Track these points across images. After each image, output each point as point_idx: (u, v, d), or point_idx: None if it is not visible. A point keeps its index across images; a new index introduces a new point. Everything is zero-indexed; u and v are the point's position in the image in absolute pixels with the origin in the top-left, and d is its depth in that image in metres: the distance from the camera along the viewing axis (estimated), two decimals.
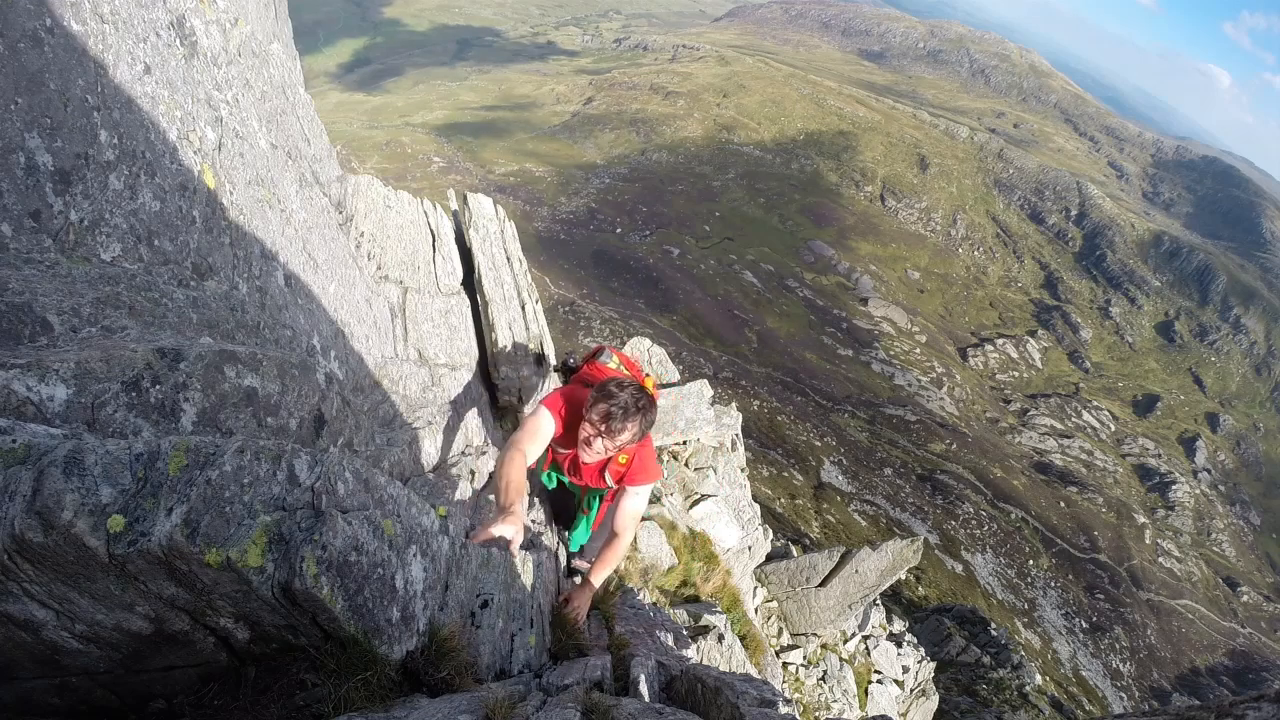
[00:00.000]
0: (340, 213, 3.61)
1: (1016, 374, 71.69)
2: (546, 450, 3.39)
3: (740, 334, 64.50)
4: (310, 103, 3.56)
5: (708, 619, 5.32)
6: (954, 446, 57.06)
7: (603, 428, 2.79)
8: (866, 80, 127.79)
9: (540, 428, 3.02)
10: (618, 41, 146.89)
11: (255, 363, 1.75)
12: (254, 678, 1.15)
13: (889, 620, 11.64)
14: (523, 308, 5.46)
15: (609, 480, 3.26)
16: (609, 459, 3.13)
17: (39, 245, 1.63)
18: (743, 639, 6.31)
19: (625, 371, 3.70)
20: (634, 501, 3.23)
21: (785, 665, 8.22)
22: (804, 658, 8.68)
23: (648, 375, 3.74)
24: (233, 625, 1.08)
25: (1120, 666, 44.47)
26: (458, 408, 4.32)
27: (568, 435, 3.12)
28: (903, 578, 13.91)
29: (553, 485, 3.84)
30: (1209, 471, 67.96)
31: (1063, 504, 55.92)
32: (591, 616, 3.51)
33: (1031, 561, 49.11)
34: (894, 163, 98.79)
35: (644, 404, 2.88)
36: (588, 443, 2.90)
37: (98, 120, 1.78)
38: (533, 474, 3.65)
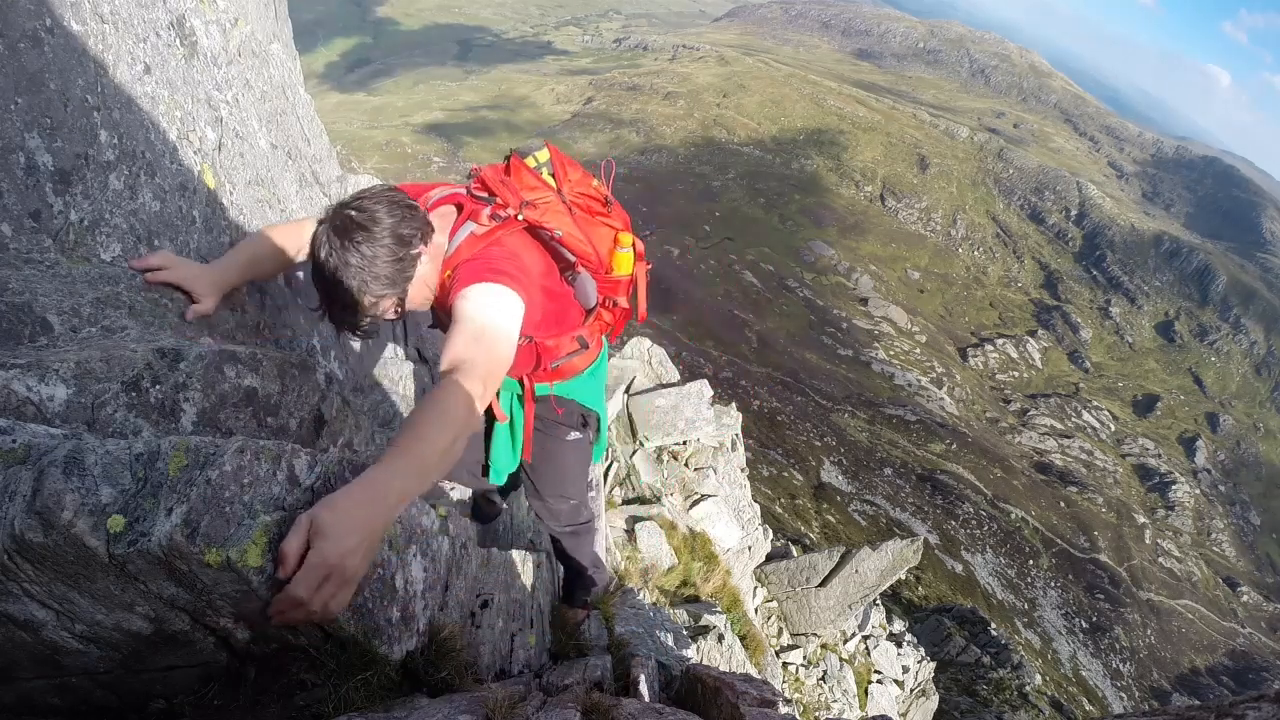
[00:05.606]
0: None
1: (1016, 374, 71.68)
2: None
3: (740, 334, 64.48)
4: (310, 103, 3.56)
5: (708, 619, 5.32)
6: (954, 446, 57.03)
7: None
8: (866, 80, 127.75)
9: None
10: (617, 42, 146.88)
11: (255, 363, 1.75)
12: (254, 678, 1.16)
13: (889, 620, 11.64)
14: None
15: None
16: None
17: (39, 245, 1.63)
18: (743, 639, 6.31)
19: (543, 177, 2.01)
20: (470, 303, 1.57)
21: (785, 665, 8.22)
22: (804, 658, 8.67)
23: (595, 180, 2.16)
24: (233, 625, 1.08)
25: (1120, 666, 44.45)
26: None
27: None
28: (903, 578, 13.91)
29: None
30: (1209, 471, 67.95)
31: (1063, 504, 55.91)
32: (591, 616, 3.50)
33: (1031, 561, 49.09)
34: (894, 163, 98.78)
35: (377, 213, 1.59)
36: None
37: (98, 120, 1.78)
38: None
